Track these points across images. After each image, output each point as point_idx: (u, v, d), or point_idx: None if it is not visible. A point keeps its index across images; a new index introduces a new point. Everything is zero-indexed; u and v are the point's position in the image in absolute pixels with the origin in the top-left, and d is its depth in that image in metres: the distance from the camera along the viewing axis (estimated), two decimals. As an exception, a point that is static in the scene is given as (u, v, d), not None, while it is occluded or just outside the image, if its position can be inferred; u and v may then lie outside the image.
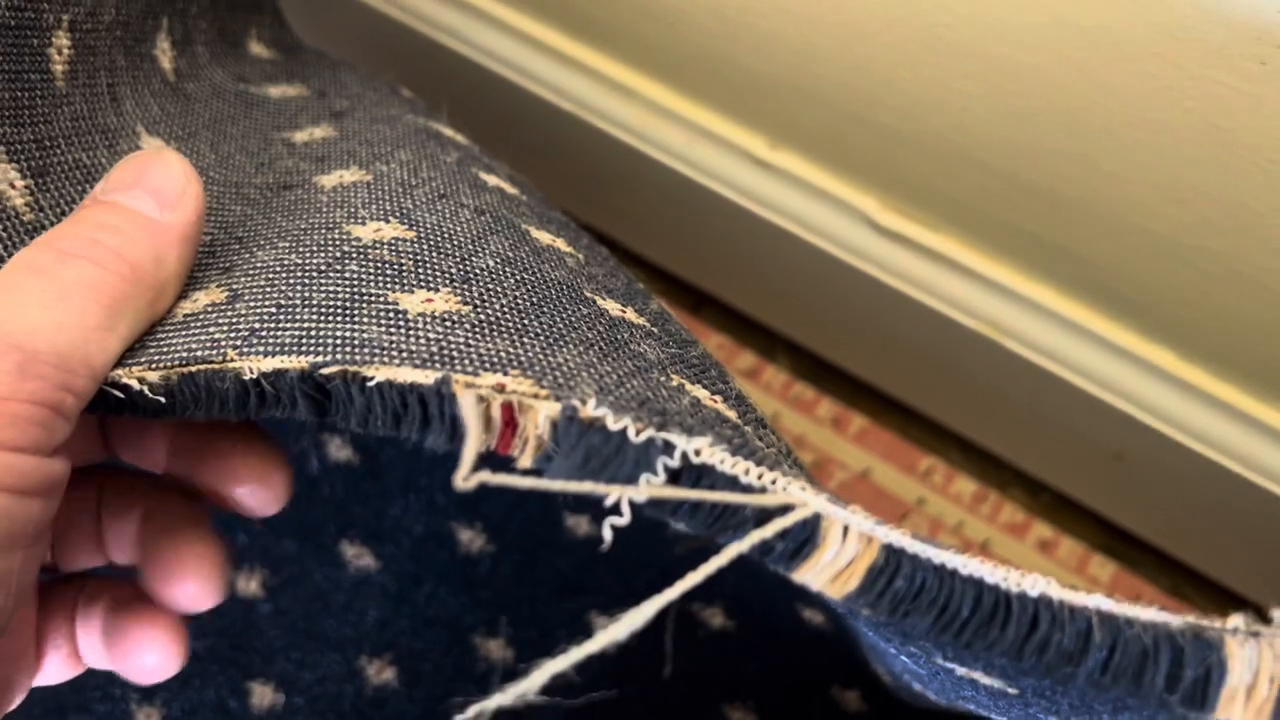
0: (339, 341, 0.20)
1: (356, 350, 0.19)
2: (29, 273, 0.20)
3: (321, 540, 0.43)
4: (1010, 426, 0.46)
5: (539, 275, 0.23)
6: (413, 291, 0.21)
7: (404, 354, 0.19)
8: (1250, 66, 0.30)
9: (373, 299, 0.21)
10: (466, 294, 0.21)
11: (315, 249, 0.23)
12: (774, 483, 0.16)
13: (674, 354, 0.23)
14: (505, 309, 0.21)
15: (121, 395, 0.20)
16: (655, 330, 0.24)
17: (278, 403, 0.19)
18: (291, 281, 0.22)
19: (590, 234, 0.32)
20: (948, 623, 0.15)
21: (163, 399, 0.20)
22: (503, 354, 0.19)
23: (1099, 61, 0.32)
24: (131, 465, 0.25)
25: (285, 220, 0.25)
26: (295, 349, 0.20)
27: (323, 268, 0.22)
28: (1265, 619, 0.15)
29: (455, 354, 0.19)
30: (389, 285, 0.21)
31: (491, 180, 0.29)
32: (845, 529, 0.16)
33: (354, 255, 0.22)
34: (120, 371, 0.20)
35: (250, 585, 0.42)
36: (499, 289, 0.22)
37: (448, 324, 0.20)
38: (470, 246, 0.23)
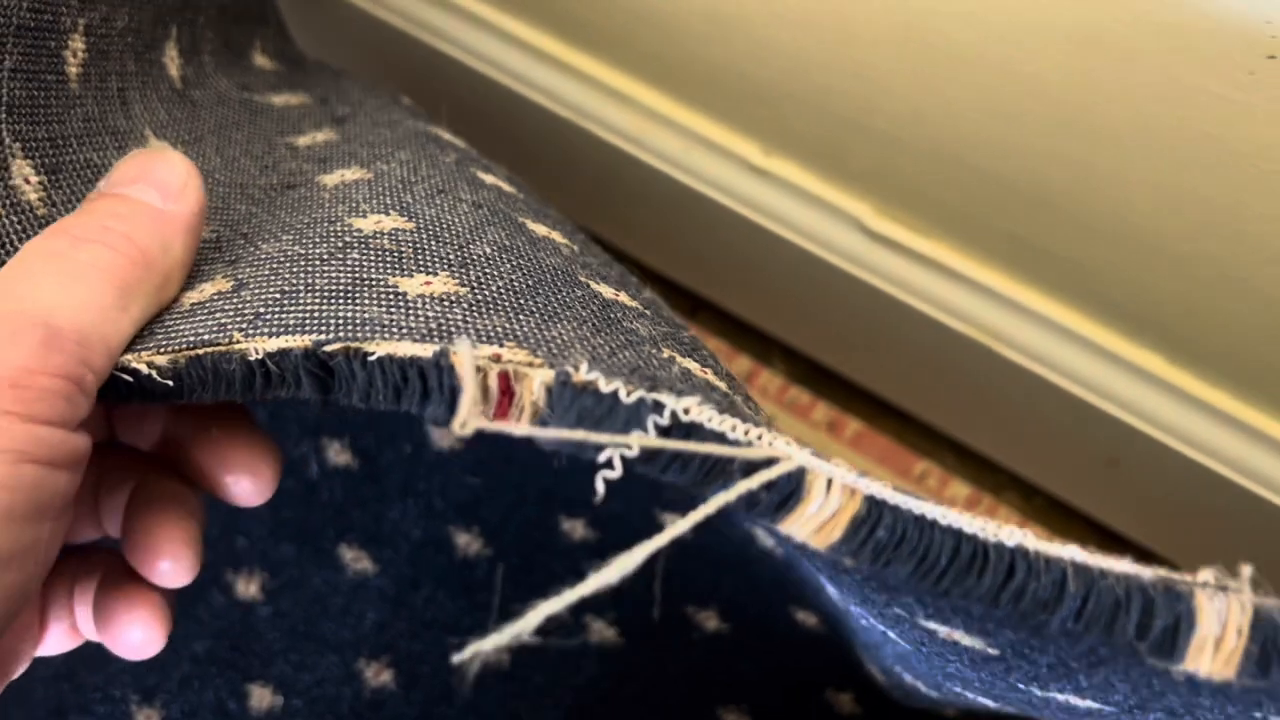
0: (341, 321, 0.20)
1: (358, 328, 0.20)
2: (45, 257, 0.21)
3: (320, 544, 0.43)
4: (1004, 431, 0.46)
5: (534, 261, 0.24)
6: (412, 275, 0.22)
7: (404, 330, 0.20)
8: (1239, 75, 0.30)
9: (374, 283, 0.22)
10: (464, 277, 0.22)
11: (318, 240, 0.24)
12: (760, 438, 0.17)
13: (666, 332, 0.24)
14: (502, 290, 0.22)
15: (131, 380, 0.21)
16: (648, 312, 0.25)
17: (283, 382, 0.20)
18: (295, 269, 0.23)
19: (587, 237, 0.33)
20: (927, 570, 0.16)
21: (170, 382, 0.20)
22: (499, 329, 0.20)
23: (1093, 69, 0.33)
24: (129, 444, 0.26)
25: (289, 216, 0.26)
26: (299, 329, 0.20)
27: (325, 256, 0.23)
28: (1235, 575, 0.16)
29: (453, 329, 0.20)
30: (389, 270, 0.22)
31: (489, 179, 0.30)
32: (829, 482, 0.16)
33: (355, 245, 0.23)
34: (129, 357, 0.21)
35: (250, 588, 0.42)
36: (496, 272, 0.23)
37: (446, 303, 0.21)
38: (468, 236, 0.24)
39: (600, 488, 0.16)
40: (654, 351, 0.21)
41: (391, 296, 0.21)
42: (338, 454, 0.44)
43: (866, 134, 0.39)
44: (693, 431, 0.17)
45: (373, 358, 0.19)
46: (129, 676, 0.41)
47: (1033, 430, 0.44)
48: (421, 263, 0.22)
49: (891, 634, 0.23)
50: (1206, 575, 0.16)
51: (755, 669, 0.42)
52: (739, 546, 0.43)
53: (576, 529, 0.44)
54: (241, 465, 0.24)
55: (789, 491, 0.16)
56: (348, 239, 0.24)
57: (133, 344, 0.21)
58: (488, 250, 0.24)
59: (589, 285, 0.24)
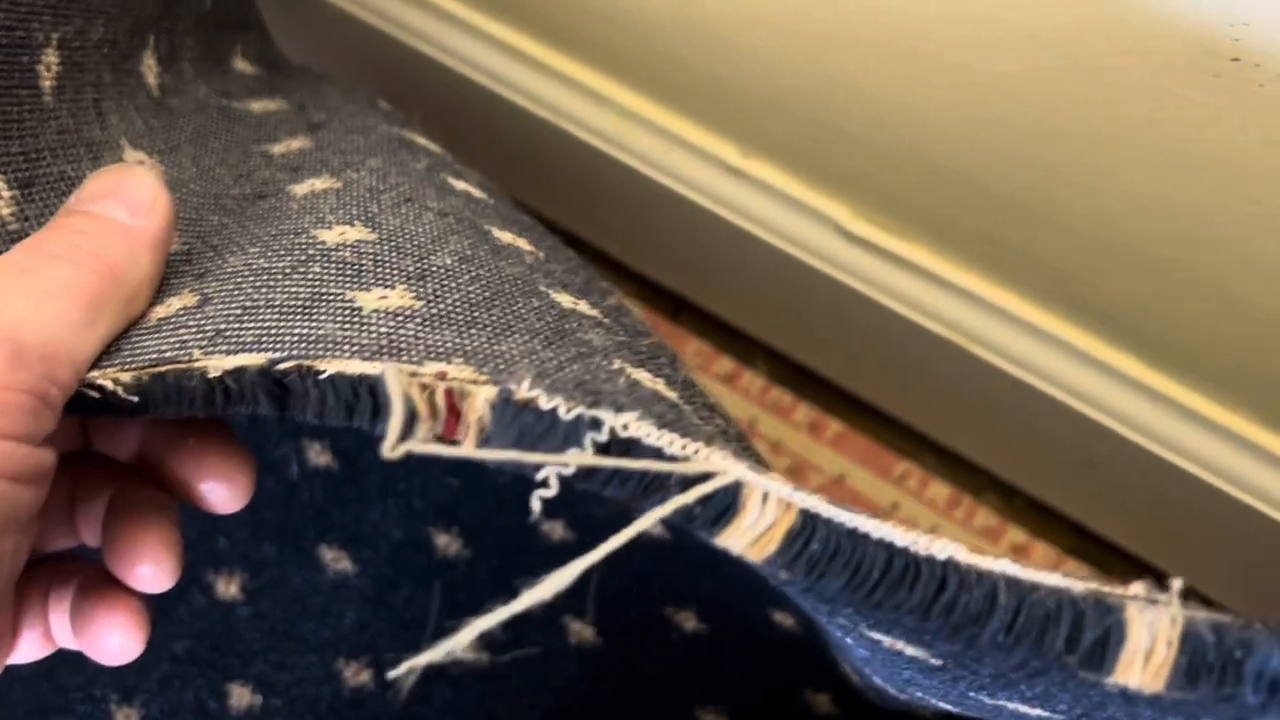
0: (296, 338, 0.21)
1: (311, 346, 0.20)
2: (14, 272, 0.21)
3: (301, 544, 0.43)
4: (983, 432, 0.46)
5: (494, 271, 0.24)
6: (369, 289, 0.22)
7: (355, 347, 0.20)
8: (1205, 79, 0.30)
9: (331, 298, 0.22)
10: (420, 290, 0.22)
11: (282, 253, 0.24)
12: (697, 452, 0.17)
13: (621, 341, 0.24)
14: (457, 303, 0.22)
15: (98, 395, 0.21)
16: (606, 320, 0.25)
17: (242, 399, 0.20)
18: (257, 284, 0.23)
19: (570, 240, 0.33)
20: (860, 583, 0.16)
21: (135, 398, 0.21)
22: (449, 344, 0.20)
23: (1065, 74, 0.33)
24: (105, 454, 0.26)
25: (258, 227, 0.26)
26: (256, 347, 0.21)
27: (287, 270, 0.23)
28: (1166, 588, 0.16)
29: (403, 345, 0.20)
30: (347, 284, 0.22)
31: (459, 185, 0.30)
32: (765, 495, 0.17)
33: (317, 258, 0.24)
34: (96, 373, 0.21)
35: (230, 588, 0.42)
36: (453, 284, 0.23)
37: (400, 318, 0.21)
38: (430, 246, 0.24)
39: (536, 507, 0.16)
40: (604, 363, 0.22)
41: (347, 312, 0.21)
42: (318, 455, 0.45)
43: (842, 137, 0.39)
44: (631, 447, 0.17)
45: (323, 376, 0.19)
46: (109, 676, 0.41)
47: (1010, 432, 0.44)
48: (380, 276, 0.23)
49: (848, 640, 0.23)
50: (1138, 588, 0.16)
51: (734, 669, 0.42)
52: (717, 547, 0.43)
53: (556, 530, 0.44)
54: (217, 474, 0.24)
55: (725, 505, 0.17)
56: (311, 251, 0.24)
57: (100, 359, 0.22)
58: (448, 261, 0.24)
59: (548, 295, 0.24)
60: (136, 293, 0.23)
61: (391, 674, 0.17)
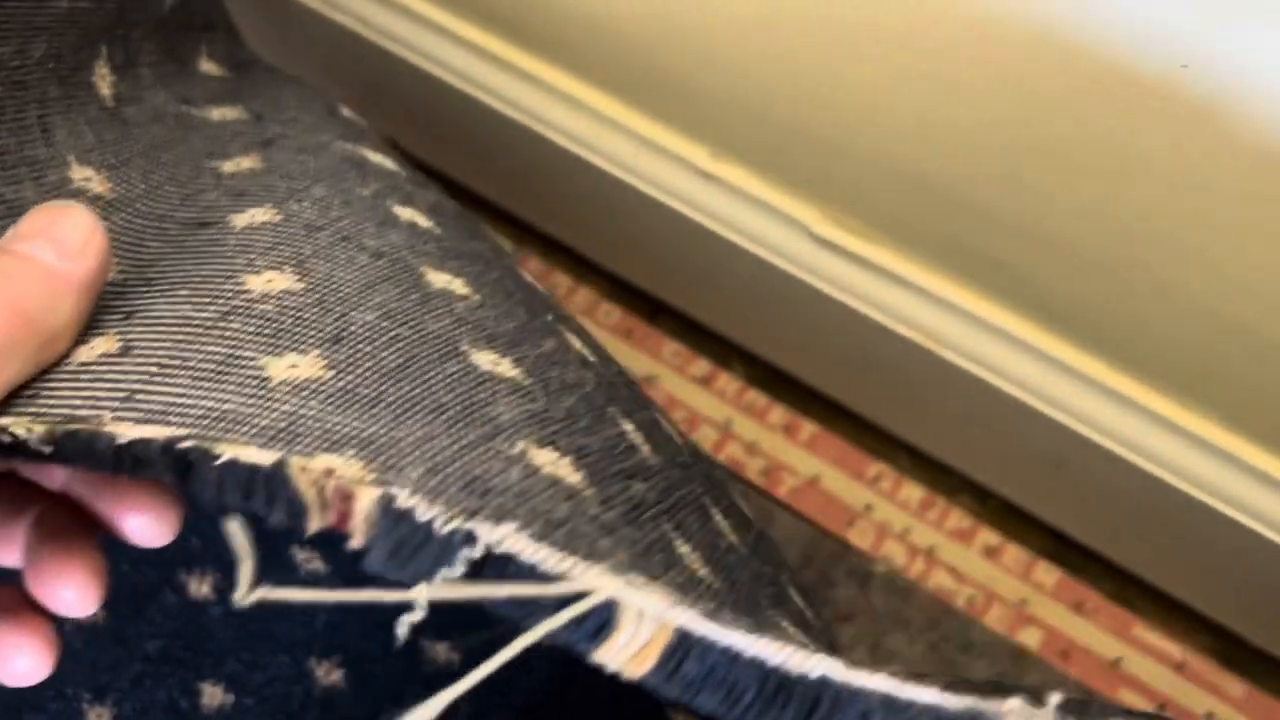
0: (201, 412, 0.20)
1: (214, 424, 0.20)
2: None
3: (273, 544, 0.43)
4: (955, 434, 0.46)
5: (416, 328, 0.24)
6: (283, 355, 0.22)
7: (254, 430, 0.20)
8: (1158, 84, 0.30)
9: (243, 364, 0.22)
10: (333, 357, 0.22)
11: (207, 301, 0.24)
12: (574, 566, 0.17)
13: (534, 413, 0.24)
14: (367, 373, 0.22)
15: (10, 440, 0.21)
16: (527, 382, 0.25)
17: (149, 468, 0.20)
18: (178, 338, 0.23)
19: (545, 241, 0.33)
20: (734, 702, 0.16)
21: (48, 449, 0.20)
22: (348, 430, 0.20)
23: (1026, 80, 0.33)
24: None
25: (193, 265, 0.26)
26: (162, 419, 0.20)
27: (208, 324, 0.23)
28: (1044, 703, 0.16)
29: (301, 430, 0.20)
30: (262, 347, 0.22)
31: (405, 215, 0.29)
32: (640, 612, 0.16)
33: (240, 310, 0.24)
34: (10, 419, 0.21)
35: (202, 588, 0.43)
36: (369, 349, 0.23)
37: (305, 393, 0.21)
38: (354, 299, 0.24)
39: (401, 633, 0.16)
40: (505, 446, 0.22)
41: (255, 383, 0.21)
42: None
43: (810, 141, 0.39)
44: (506, 564, 0.17)
45: (218, 461, 0.19)
46: (82, 675, 0.41)
47: (980, 434, 0.44)
48: (296, 337, 0.23)
49: None
50: (1013, 704, 0.16)
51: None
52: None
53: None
54: (147, 508, 0.24)
55: (600, 624, 0.16)
56: (235, 303, 0.24)
57: (16, 403, 0.21)
58: (370, 318, 0.24)
59: (468, 356, 0.24)
60: (54, 337, 0.22)
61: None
